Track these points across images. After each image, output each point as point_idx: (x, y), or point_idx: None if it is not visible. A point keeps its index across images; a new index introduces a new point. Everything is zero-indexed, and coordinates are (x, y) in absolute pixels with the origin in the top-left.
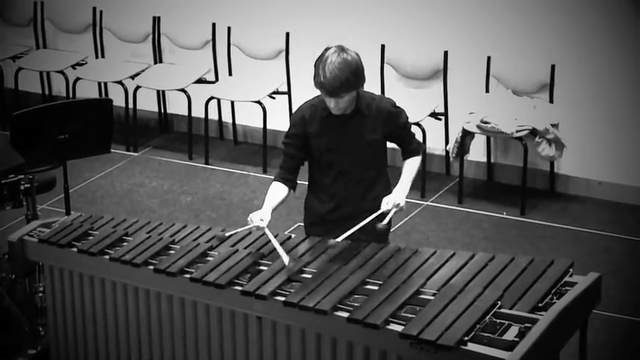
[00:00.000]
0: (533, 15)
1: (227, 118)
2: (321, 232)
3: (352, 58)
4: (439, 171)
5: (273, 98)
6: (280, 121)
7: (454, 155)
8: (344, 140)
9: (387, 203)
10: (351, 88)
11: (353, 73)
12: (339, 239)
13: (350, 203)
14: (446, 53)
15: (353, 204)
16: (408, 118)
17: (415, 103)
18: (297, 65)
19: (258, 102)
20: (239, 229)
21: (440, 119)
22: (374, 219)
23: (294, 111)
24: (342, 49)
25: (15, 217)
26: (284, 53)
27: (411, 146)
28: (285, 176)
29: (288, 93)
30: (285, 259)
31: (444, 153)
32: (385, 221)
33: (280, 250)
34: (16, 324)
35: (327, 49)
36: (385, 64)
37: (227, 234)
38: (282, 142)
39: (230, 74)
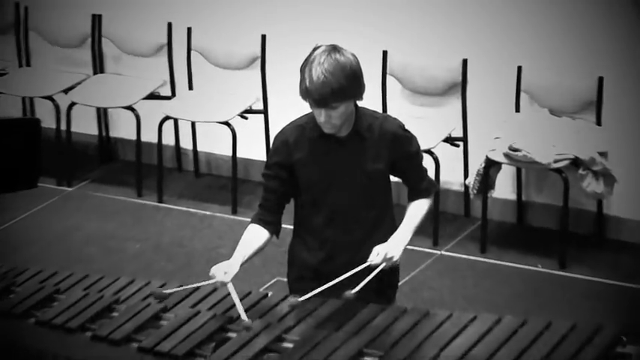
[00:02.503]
0: (575, 16)
1: (186, 143)
2: (311, 289)
3: (346, 60)
4: (456, 211)
5: (246, 118)
6: (254, 148)
7: (475, 192)
8: (339, 170)
9: (378, 254)
10: (345, 97)
11: (347, 78)
12: (302, 298)
13: (346, 251)
14: (465, 62)
15: (350, 252)
16: (419, 149)
17: (426, 126)
18: (276, 76)
19: (227, 123)
20: (187, 286)
21: (457, 146)
22: (357, 274)
23: (275, 134)
24: (334, 48)
25: None
26: (259, 61)
27: (420, 185)
28: (265, 217)
29: (265, 112)
30: (245, 318)
31: (462, 188)
32: (359, 286)
33: (240, 308)
34: None
35: (315, 49)
36: (388, 76)
37: (167, 291)
38: (261, 173)
39: (190, 88)
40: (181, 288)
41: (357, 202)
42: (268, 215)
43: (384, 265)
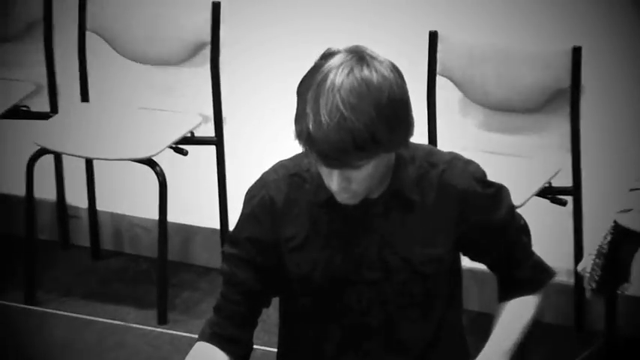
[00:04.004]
0: None
1: (77, 198)
2: None
3: (382, 80)
4: (560, 321)
5: (183, 153)
6: (200, 207)
7: (594, 285)
8: (363, 259)
9: None
10: (379, 149)
11: (382, 115)
12: None
13: None
14: (577, 53)
15: None
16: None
17: (508, 167)
18: (239, 78)
19: (150, 162)
20: None
21: (563, 203)
22: None
23: (239, 181)
24: (360, 57)
25: None
26: (208, 50)
27: (521, 273)
28: (225, 331)
29: (219, 141)
30: None
31: (570, 279)
32: None
33: None
34: None
35: (326, 57)
36: (438, 77)
37: None
38: (221, 252)
39: (84, 98)
40: None
41: (397, 314)
42: (230, 327)
43: None
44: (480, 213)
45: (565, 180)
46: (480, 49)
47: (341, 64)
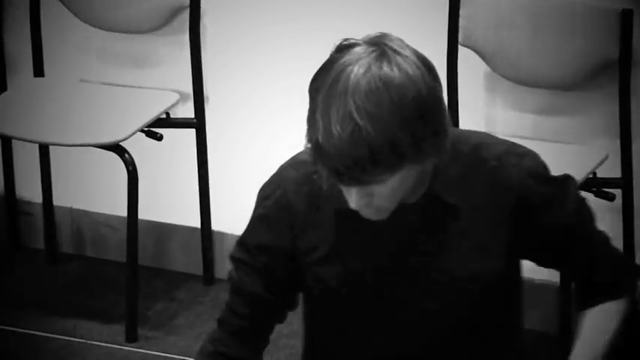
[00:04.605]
0: None
1: (30, 191)
2: None
3: (406, 79)
4: None
5: (158, 138)
6: (177, 202)
7: None
8: (398, 276)
9: None
10: (404, 162)
11: (406, 123)
12: None
13: None
14: (627, 17)
15: None
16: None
17: (544, 156)
18: (225, 49)
19: (117, 148)
20: None
21: (611, 197)
22: None
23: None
24: (381, 52)
25: None
26: (187, 16)
27: (601, 274)
28: (230, 349)
29: (199, 124)
30: None
31: None
32: None
33: None
34: None
35: (342, 50)
36: (460, 49)
37: None
38: (229, 256)
39: (39, 73)
40: None
41: (439, 339)
42: (236, 346)
43: None
44: (540, 216)
45: (613, 170)
46: (511, 14)
47: (358, 60)
